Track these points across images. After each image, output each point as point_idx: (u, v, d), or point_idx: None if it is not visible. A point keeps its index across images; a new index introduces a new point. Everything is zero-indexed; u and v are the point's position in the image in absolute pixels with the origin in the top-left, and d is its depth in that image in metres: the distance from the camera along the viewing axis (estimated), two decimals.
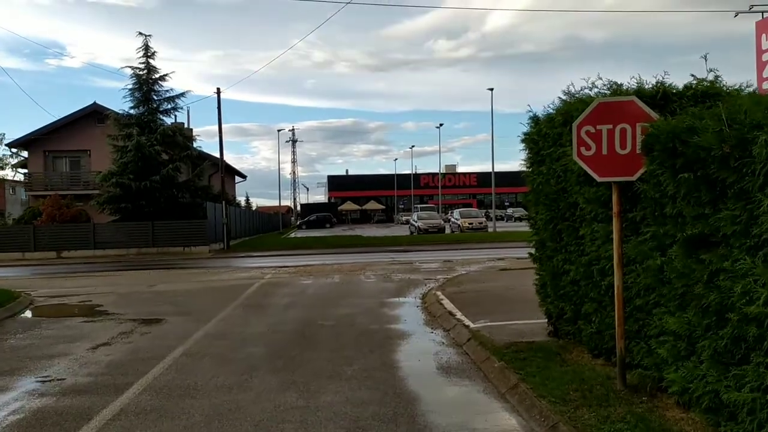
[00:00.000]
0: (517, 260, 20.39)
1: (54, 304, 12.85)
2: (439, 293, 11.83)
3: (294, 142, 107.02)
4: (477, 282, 13.33)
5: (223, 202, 31.74)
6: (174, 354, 7.54)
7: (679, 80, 5.94)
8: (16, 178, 48.47)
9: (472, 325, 8.50)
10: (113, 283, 16.51)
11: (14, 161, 37.20)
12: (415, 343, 8.13)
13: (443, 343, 8.03)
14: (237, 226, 40.22)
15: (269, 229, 63.78)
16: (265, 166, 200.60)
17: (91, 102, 37.84)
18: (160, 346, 8.01)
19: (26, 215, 33.86)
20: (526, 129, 7.70)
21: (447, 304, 10.53)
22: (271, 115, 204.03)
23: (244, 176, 60.33)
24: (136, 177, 29.40)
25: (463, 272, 16.13)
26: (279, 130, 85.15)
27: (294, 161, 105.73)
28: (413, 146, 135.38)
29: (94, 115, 37.45)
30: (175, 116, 47.00)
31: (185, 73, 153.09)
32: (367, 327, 9.15)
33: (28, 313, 11.42)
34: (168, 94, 31.69)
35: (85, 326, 9.81)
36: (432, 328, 9.01)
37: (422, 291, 12.96)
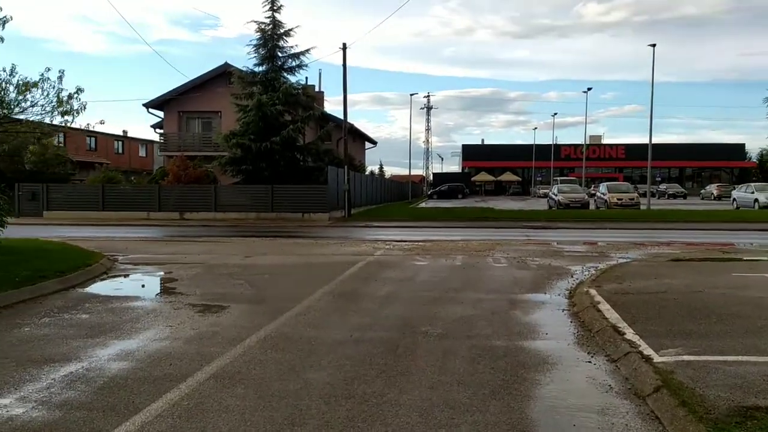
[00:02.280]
0: (687, 246, 16.47)
1: (127, 275, 11.16)
2: (592, 291, 8.68)
3: (429, 109, 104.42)
4: (644, 277, 9.94)
5: (345, 167, 29.78)
6: (202, 373, 5.17)
7: None
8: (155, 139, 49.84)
9: (656, 358, 5.40)
10: (210, 252, 14.83)
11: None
12: (565, 382, 5.18)
13: (611, 387, 5.01)
14: (362, 193, 38.42)
15: (398, 197, 61.93)
16: (402, 135, 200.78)
17: (223, 62, 37.37)
18: (195, 356, 5.70)
19: (157, 175, 34.05)
20: None
21: (608, 310, 7.40)
22: (409, 84, 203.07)
23: (374, 142, 58.72)
24: (256, 138, 28.10)
25: (620, 261, 12.68)
26: (412, 95, 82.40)
27: (428, 129, 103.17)
28: (555, 114, 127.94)
29: (225, 75, 36.83)
30: (306, 79, 46.01)
31: (324, 40, 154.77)
32: (489, 342, 6.31)
33: (88, 287, 9.70)
34: (292, 51, 29.98)
35: (133, 311, 7.80)
36: (589, 353, 5.99)
37: (568, 285, 9.84)
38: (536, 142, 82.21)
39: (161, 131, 40.31)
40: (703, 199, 61.82)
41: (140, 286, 9.78)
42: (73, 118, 12.14)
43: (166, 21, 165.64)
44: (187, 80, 38.43)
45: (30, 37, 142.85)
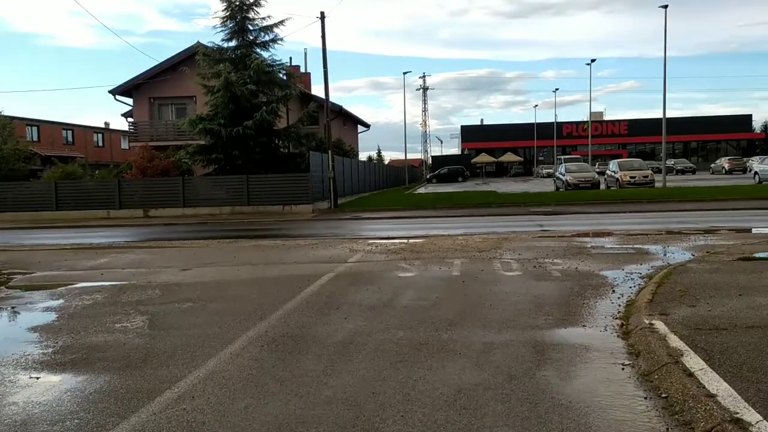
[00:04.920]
0: (737, 234, 13.40)
1: None
2: (660, 325, 5.60)
3: (425, 90, 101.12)
4: (722, 293, 6.84)
5: (330, 151, 26.57)
6: None
7: None
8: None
9: None
10: (142, 264, 11.77)
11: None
12: None
13: None
14: (353, 180, 35.29)
15: (395, 183, 58.86)
16: (401, 120, 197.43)
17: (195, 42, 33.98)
18: None
19: (124, 168, 30.91)
20: None
21: (703, 372, 4.35)
22: (406, 68, 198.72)
23: (367, 125, 55.39)
24: (227, 122, 24.88)
25: (670, 262, 9.58)
26: (405, 73, 78.59)
27: (425, 110, 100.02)
28: (557, 89, 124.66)
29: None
30: (290, 59, 42.62)
31: (306, 17, 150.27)
32: None
33: None
34: (265, 23, 26.60)
35: None
36: None
37: (615, 309, 6.76)
38: (536, 121, 78.88)
39: (132, 120, 37.08)
40: (713, 173, 58.70)
41: None
42: None
43: (157, 12, 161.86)
44: (157, 63, 35.22)
45: (20, 33, 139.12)
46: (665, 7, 32.92)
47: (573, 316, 6.56)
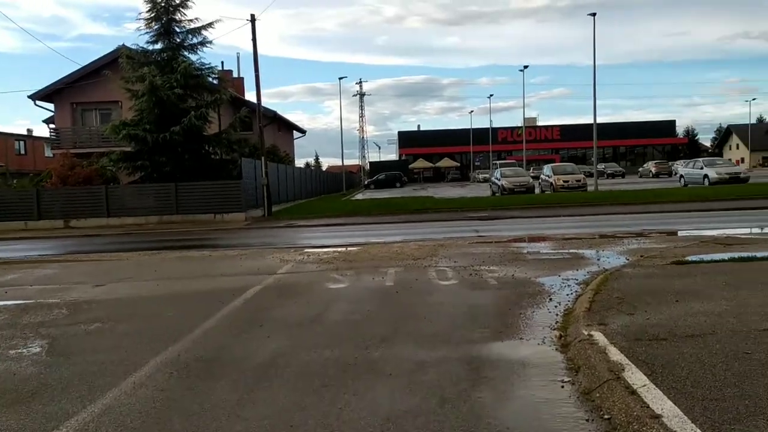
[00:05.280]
0: (668, 237, 13.57)
1: None
2: (598, 336, 5.35)
3: (362, 95, 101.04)
4: (658, 299, 6.67)
5: (263, 158, 25.78)
6: None
7: None
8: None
9: None
10: (52, 279, 10.87)
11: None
12: None
13: None
14: (288, 187, 34.55)
15: (333, 189, 58.26)
16: (339, 126, 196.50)
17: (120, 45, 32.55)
18: None
19: (44, 177, 29.22)
20: None
21: (646, 389, 4.09)
22: (343, 74, 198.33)
23: (303, 131, 54.58)
24: (153, 128, 23.78)
25: (605, 267, 9.46)
26: (340, 78, 77.55)
27: (362, 116, 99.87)
28: (492, 95, 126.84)
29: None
30: (222, 63, 41.38)
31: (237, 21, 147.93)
32: None
33: None
34: (193, 25, 25.61)
35: None
36: None
37: (552, 319, 6.49)
38: (473, 127, 79.83)
39: (54, 126, 35.20)
40: (641, 177, 60.69)
41: None
42: None
43: (85, 16, 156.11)
44: (80, 66, 33.54)
45: None
46: (593, 14, 33.74)
47: (510, 328, 6.25)
